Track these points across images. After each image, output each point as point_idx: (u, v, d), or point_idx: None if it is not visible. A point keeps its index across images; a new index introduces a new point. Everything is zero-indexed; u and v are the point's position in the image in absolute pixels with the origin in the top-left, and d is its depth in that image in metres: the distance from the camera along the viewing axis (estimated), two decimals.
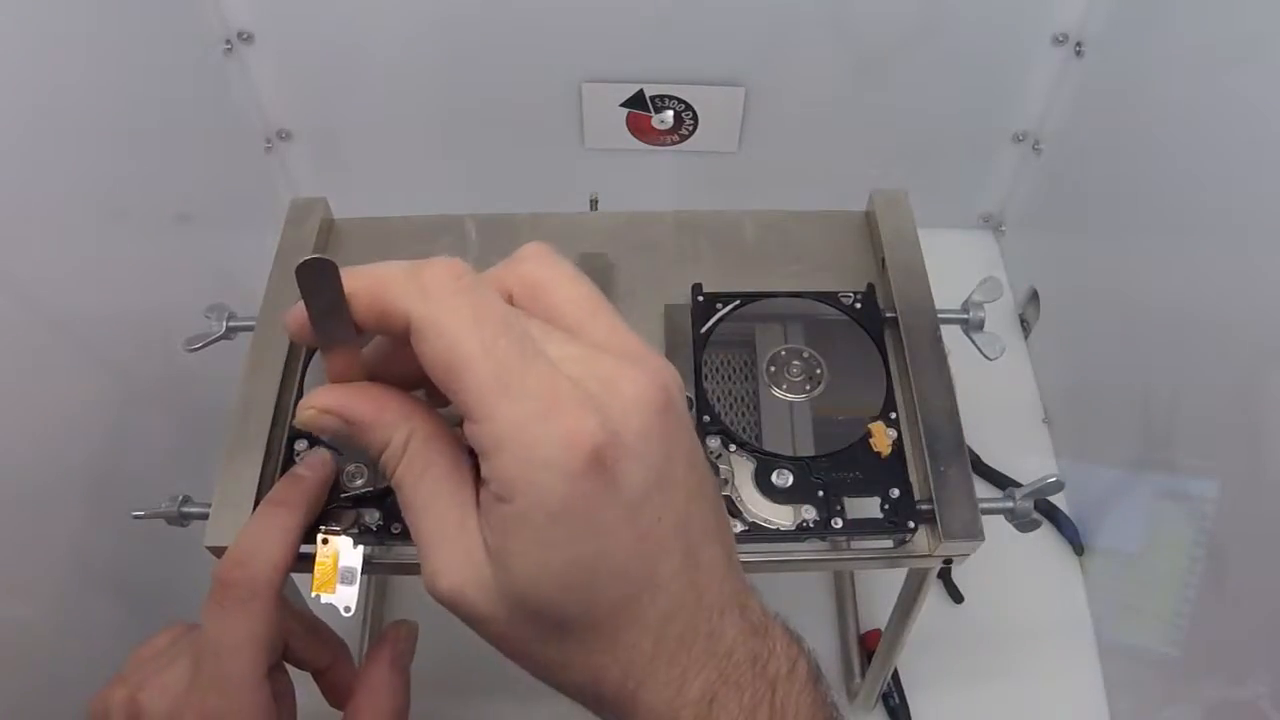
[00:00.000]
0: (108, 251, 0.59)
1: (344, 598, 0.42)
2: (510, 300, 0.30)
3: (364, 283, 0.28)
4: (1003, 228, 0.89)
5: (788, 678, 0.29)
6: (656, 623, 0.28)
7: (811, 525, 0.45)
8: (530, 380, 0.26)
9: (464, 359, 0.26)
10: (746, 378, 0.51)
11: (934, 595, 0.69)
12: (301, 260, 0.28)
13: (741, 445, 0.47)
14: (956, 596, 0.70)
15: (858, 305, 0.52)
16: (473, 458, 0.29)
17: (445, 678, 0.68)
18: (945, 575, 0.70)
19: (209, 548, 0.45)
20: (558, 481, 0.26)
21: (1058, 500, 0.73)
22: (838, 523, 0.45)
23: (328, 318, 0.29)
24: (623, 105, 0.77)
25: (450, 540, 0.29)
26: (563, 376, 0.27)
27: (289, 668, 0.42)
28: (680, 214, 0.58)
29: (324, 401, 0.30)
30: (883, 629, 0.57)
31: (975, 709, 0.66)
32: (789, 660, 0.30)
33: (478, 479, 0.29)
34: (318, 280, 0.28)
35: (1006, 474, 0.74)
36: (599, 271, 0.54)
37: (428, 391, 0.32)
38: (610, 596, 0.27)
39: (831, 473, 0.46)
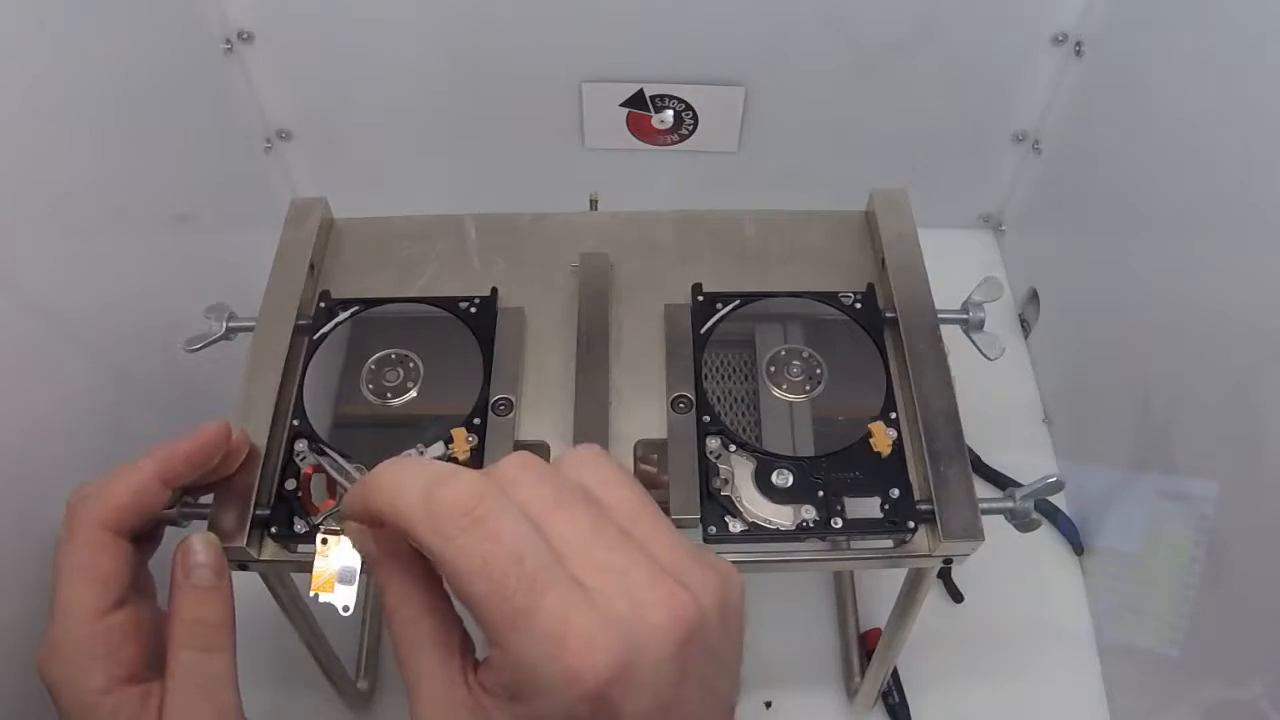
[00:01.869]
0: (108, 251, 0.59)
1: (343, 597, 0.42)
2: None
3: (386, 509, 0.29)
4: (1003, 228, 0.89)
5: None
6: None
7: (811, 525, 0.45)
8: (538, 620, 0.27)
9: (474, 599, 0.27)
10: (746, 378, 0.51)
11: (934, 595, 0.69)
12: None
13: (741, 445, 0.47)
14: (956, 596, 0.70)
15: (858, 305, 0.52)
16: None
17: None
18: (945, 575, 0.70)
19: None
20: (558, 711, 0.27)
21: (1058, 500, 0.73)
22: (838, 523, 0.45)
23: None
24: (623, 105, 0.77)
25: (445, 709, 0.30)
26: (577, 608, 0.27)
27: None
28: (680, 214, 0.58)
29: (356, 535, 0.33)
30: (883, 628, 0.57)
31: (975, 709, 0.66)
32: None
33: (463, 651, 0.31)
34: None
35: (1006, 474, 0.74)
36: (599, 272, 0.54)
37: None
38: None
39: (831, 473, 0.46)
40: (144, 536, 0.42)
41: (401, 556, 0.32)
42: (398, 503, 0.29)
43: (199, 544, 0.39)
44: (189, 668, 0.37)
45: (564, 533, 0.28)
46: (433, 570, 0.31)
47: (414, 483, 0.29)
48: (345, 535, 0.33)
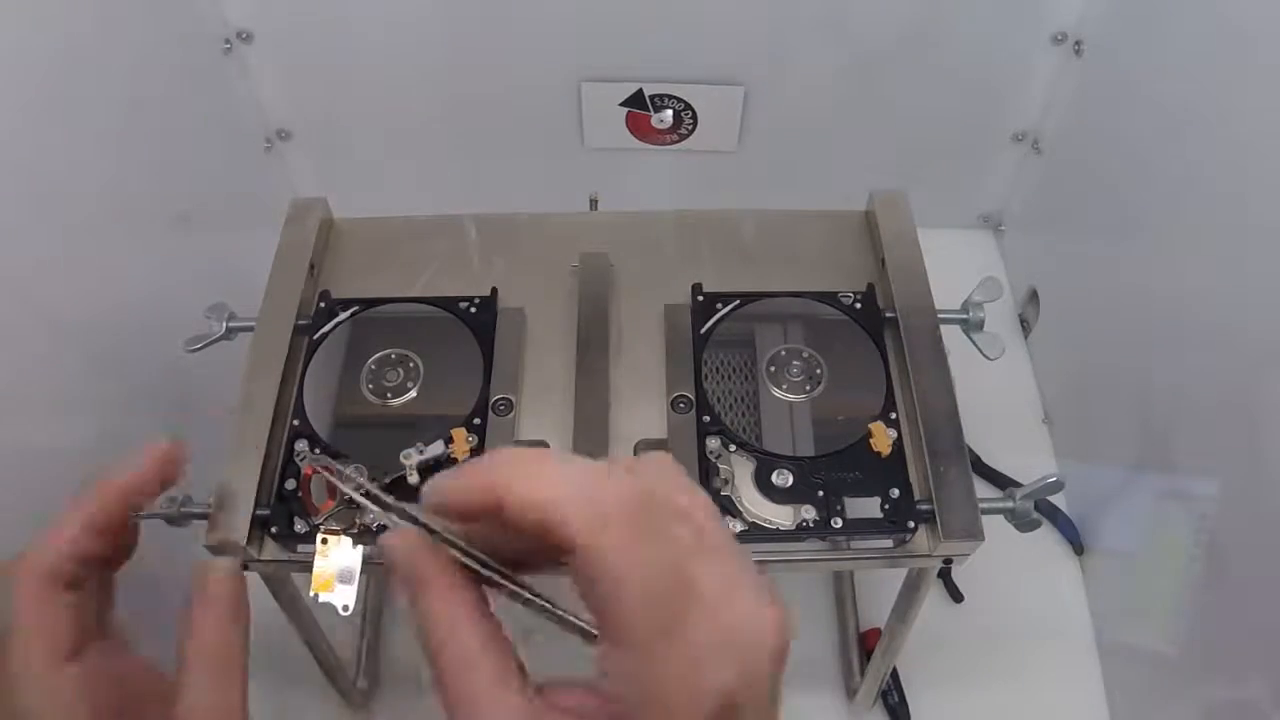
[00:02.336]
0: (109, 251, 0.59)
1: (343, 597, 0.42)
2: None
3: (533, 495, 0.26)
4: (1002, 227, 0.89)
5: None
6: None
7: (811, 525, 0.45)
8: (687, 633, 0.26)
9: (629, 607, 0.26)
10: (746, 378, 0.51)
11: (934, 595, 0.69)
12: None
13: (741, 445, 0.47)
14: (956, 596, 0.70)
15: (858, 305, 0.52)
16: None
17: None
18: (945, 575, 0.70)
19: (208, 547, 0.45)
20: None
21: (1058, 500, 0.73)
22: (837, 523, 0.45)
23: None
24: (622, 105, 0.77)
25: None
26: (713, 622, 0.26)
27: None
28: (680, 214, 0.58)
29: (391, 545, 0.29)
30: (883, 628, 0.57)
31: (975, 708, 0.66)
32: None
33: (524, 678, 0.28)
34: None
35: (1006, 474, 0.74)
36: (599, 272, 0.54)
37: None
38: None
39: (831, 473, 0.46)
40: (110, 560, 0.40)
41: (454, 583, 0.28)
42: (555, 492, 0.26)
43: (220, 569, 0.37)
44: (200, 691, 0.35)
45: (679, 542, 0.27)
46: (482, 596, 0.29)
47: (571, 471, 0.26)
48: (392, 544, 0.29)
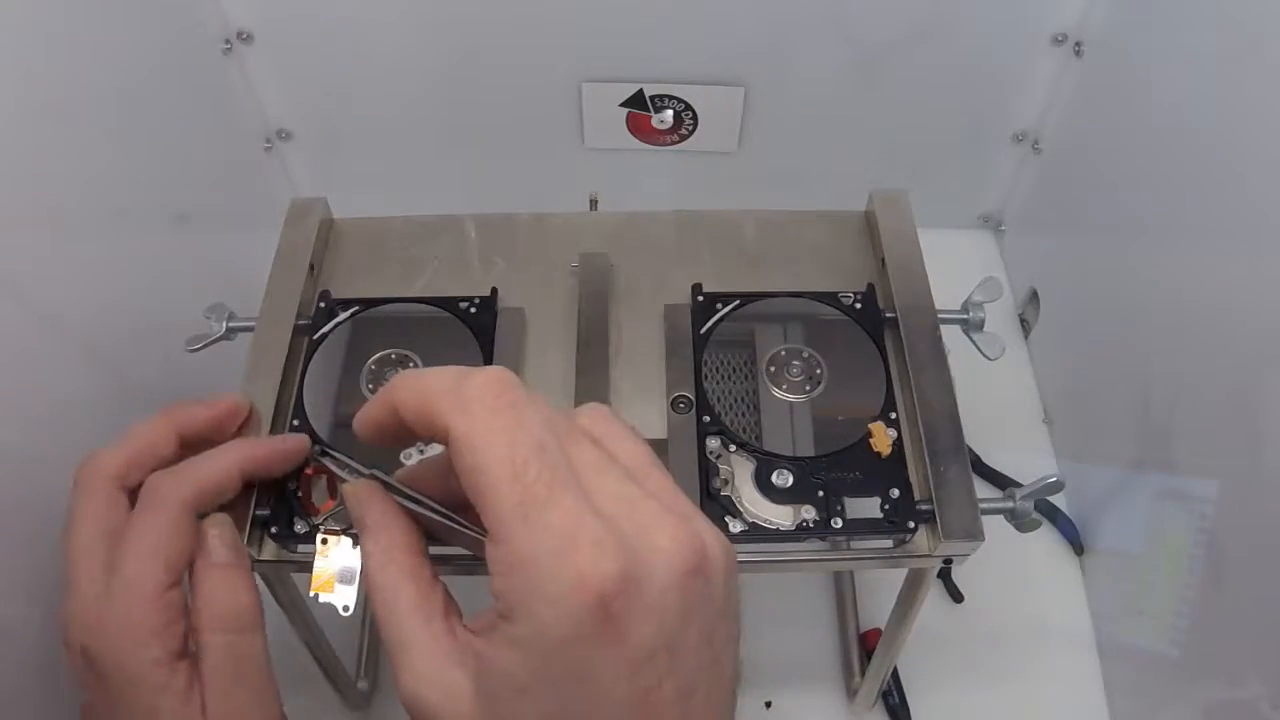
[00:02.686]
0: (108, 251, 0.59)
1: (343, 597, 0.42)
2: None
3: (412, 395, 0.29)
4: (1002, 228, 0.89)
5: None
6: None
7: (811, 525, 0.45)
8: (553, 514, 0.26)
9: (491, 481, 0.27)
10: (746, 378, 0.51)
11: (934, 595, 0.69)
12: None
13: (741, 445, 0.47)
14: (956, 596, 0.70)
15: (858, 305, 0.52)
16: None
17: None
18: (945, 575, 0.70)
19: None
20: (559, 619, 0.26)
21: (1058, 500, 0.73)
22: (837, 523, 0.45)
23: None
24: (622, 105, 0.77)
25: (438, 658, 0.30)
26: (589, 513, 0.26)
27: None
28: (680, 214, 0.58)
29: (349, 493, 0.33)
30: (883, 628, 0.57)
31: (975, 709, 0.66)
32: None
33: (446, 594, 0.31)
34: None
35: (1006, 474, 0.74)
36: (599, 272, 0.54)
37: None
38: None
39: (831, 473, 0.46)
40: None
41: (391, 526, 0.32)
42: (427, 386, 0.29)
43: (212, 523, 0.40)
44: (221, 650, 0.37)
45: (578, 458, 0.28)
46: (418, 539, 0.32)
47: (446, 372, 0.29)
48: (345, 497, 0.33)
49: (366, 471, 0.34)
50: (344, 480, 0.36)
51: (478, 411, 0.28)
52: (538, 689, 0.27)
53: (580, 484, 0.27)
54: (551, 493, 0.26)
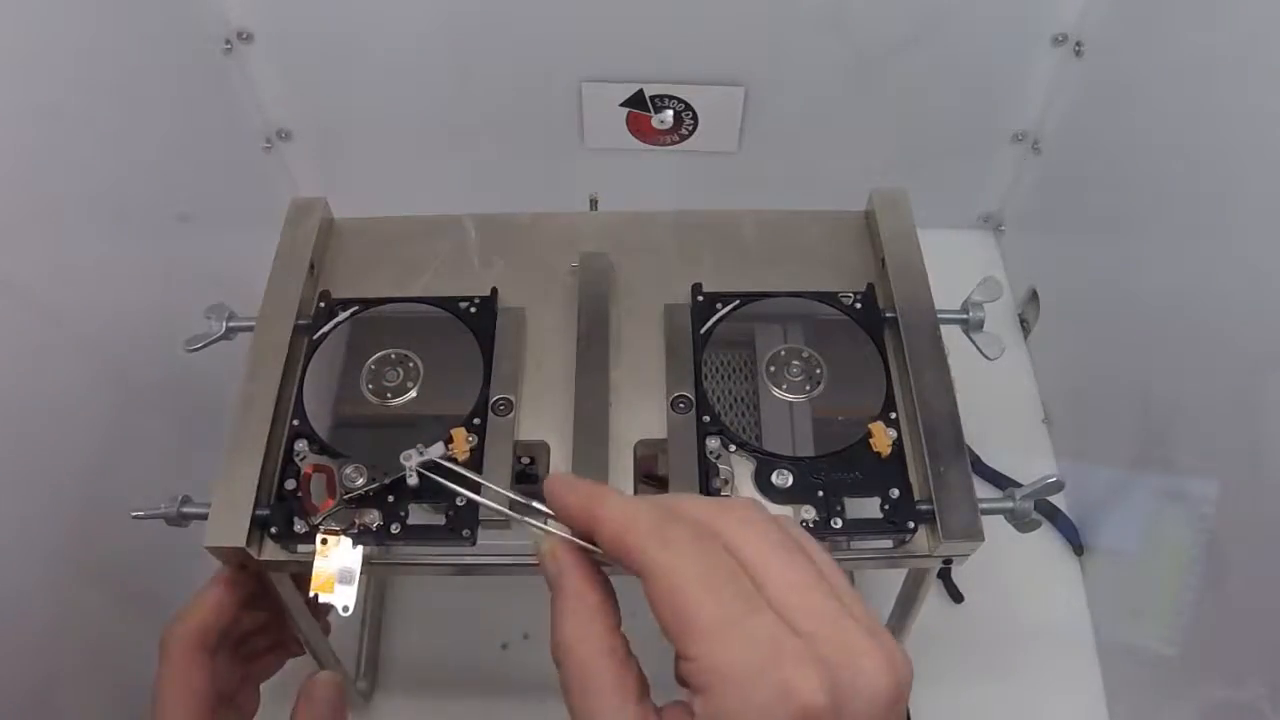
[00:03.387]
0: (108, 251, 0.59)
1: (342, 597, 0.42)
2: None
3: (613, 528, 0.30)
4: (1002, 228, 0.89)
5: None
6: None
7: (811, 525, 0.45)
8: (755, 627, 0.27)
9: (688, 600, 0.27)
10: (746, 378, 0.51)
11: (934, 595, 0.69)
12: None
13: (741, 445, 0.47)
14: (956, 596, 0.70)
15: (857, 305, 0.52)
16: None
17: (446, 677, 0.68)
18: (945, 575, 0.70)
19: (208, 548, 0.45)
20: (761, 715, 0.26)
21: (1057, 500, 0.73)
22: (837, 523, 0.45)
23: None
24: (622, 105, 0.77)
25: None
26: (790, 632, 0.27)
27: None
28: (680, 214, 0.58)
29: (559, 562, 0.32)
30: None
31: (975, 709, 0.66)
32: None
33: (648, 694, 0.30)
34: None
35: (1006, 474, 0.74)
36: (599, 272, 0.54)
37: None
38: None
39: (831, 473, 0.46)
40: (251, 656, 0.51)
41: (589, 595, 0.31)
42: (629, 516, 0.30)
43: (322, 681, 0.44)
44: None
45: (786, 576, 0.29)
46: (612, 613, 0.32)
47: (646, 517, 0.30)
48: (541, 557, 0.33)
49: (556, 531, 0.33)
50: (538, 530, 0.34)
51: (679, 546, 0.28)
52: None
53: (782, 602, 0.28)
54: (750, 611, 0.27)
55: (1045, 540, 0.72)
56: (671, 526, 0.29)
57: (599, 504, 0.31)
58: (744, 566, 0.29)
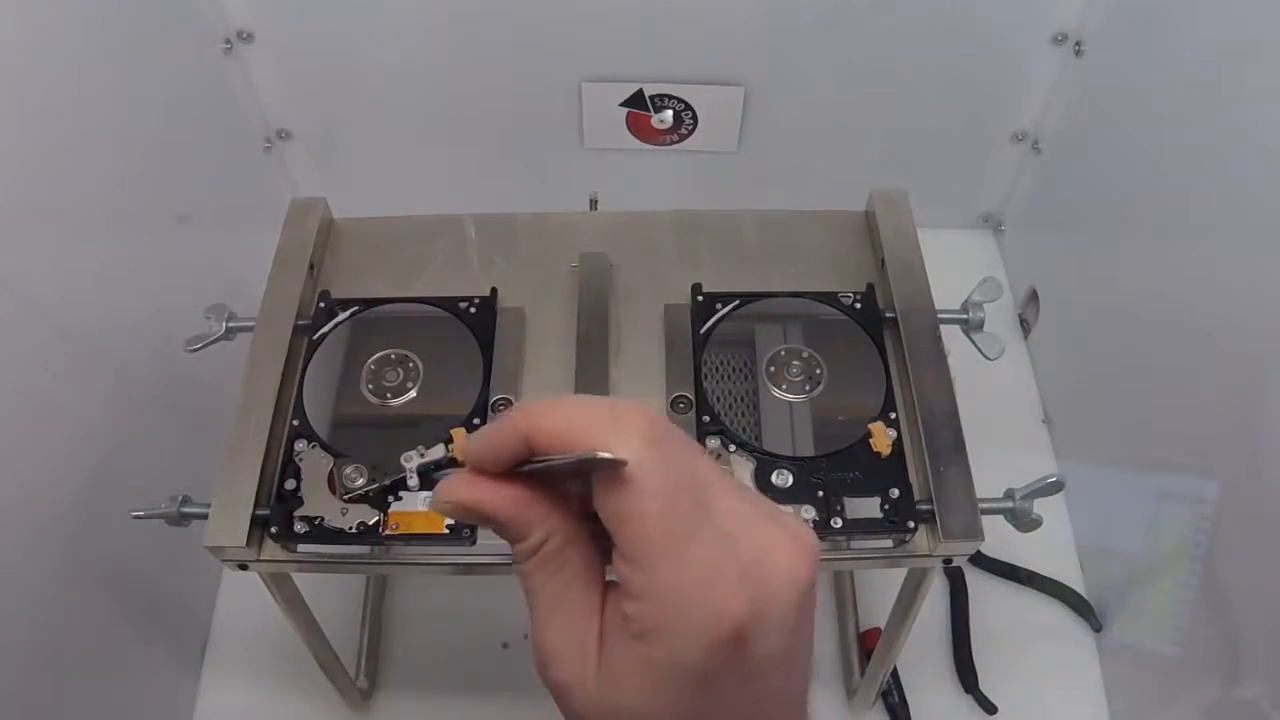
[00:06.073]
0: (108, 252, 0.59)
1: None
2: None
3: (557, 423, 0.28)
4: (1002, 227, 0.89)
5: None
6: None
7: (811, 525, 0.45)
8: (697, 550, 0.27)
9: (643, 514, 0.27)
10: (746, 378, 0.51)
11: (934, 595, 0.69)
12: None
13: (741, 445, 0.47)
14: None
15: (857, 305, 0.52)
16: (604, 555, 0.30)
17: (446, 677, 0.68)
18: (974, 689, 0.66)
19: (208, 548, 0.45)
20: (697, 649, 0.27)
21: (1058, 499, 0.73)
22: (837, 523, 0.45)
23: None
24: (622, 105, 0.77)
25: (569, 639, 0.30)
26: (725, 548, 0.27)
27: None
28: (680, 214, 0.58)
29: (460, 496, 0.29)
30: (882, 628, 0.57)
31: (975, 708, 0.66)
32: None
33: (604, 581, 0.30)
34: None
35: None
36: (599, 272, 0.54)
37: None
38: None
39: (831, 473, 0.46)
40: None
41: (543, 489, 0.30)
42: (577, 414, 0.28)
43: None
44: None
45: (705, 476, 0.29)
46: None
47: (597, 402, 0.29)
48: (436, 495, 0.30)
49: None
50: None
51: (639, 450, 0.27)
52: (662, 702, 0.28)
53: (712, 508, 0.28)
54: (698, 529, 0.27)
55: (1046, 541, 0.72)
56: (629, 416, 0.28)
57: (528, 414, 0.28)
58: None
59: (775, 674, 0.29)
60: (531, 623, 0.30)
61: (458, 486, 0.29)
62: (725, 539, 0.28)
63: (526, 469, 0.29)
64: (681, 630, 0.27)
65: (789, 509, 0.45)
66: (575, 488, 0.30)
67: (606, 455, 0.27)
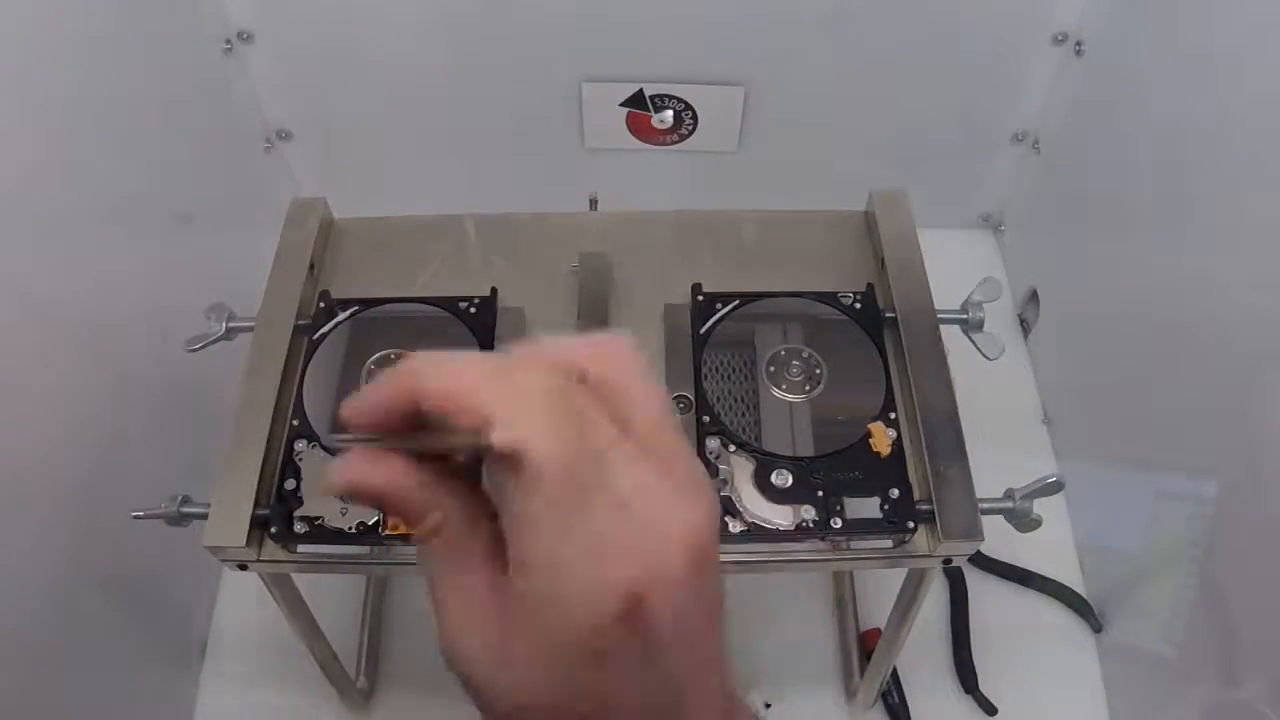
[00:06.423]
0: (108, 251, 0.59)
1: None
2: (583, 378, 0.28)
3: (444, 383, 0.26)
4: (1002, 227, 0.89)
5: None
6: None
7: (811, 525, 0.45)
8: (586, 522, 0.26)
9: (526, 489, 0.26)
10: (746, 378, 0.51)
11: (934, 595, 0.69)
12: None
13: (741, 445, 0.47)
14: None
15: (857, 305, 0.52)
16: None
17: (446, 677, 0.68)
18: (975, 690, 0.66)
19: (208, 547, 0.45)
20: (585, 622, 0.26)
21: (1058, 499, 0.73)
22: (837, 523, 0.45)
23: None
24: (623, 105, 0.77)
25: (470, 624, 0.29)
26: (619, 518, 0.26)
27: None
28: (680, 214, 0.58)
29: (345, 476, 0.28)
30: (882, 628, 0.57)
31: (975, 708, 0.66)
32: None
33: (506, 560, 0.28)
34: None
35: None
36: (599, 272, 0.54)
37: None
38: None
39: (831, 473, 0.46)
40: None
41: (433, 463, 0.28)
42: (471, 376, 0.26)
43: None
44: None
45: (604, 440, 0.27)
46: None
47: (481, 370, 0.26)
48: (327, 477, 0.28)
49: (346, 440, 0.28)
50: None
51: (528, 413, 0.26)
52: (554, 676, 0.27)
53: (609, 473, 0.27)
54: (590, 499, 0.26)
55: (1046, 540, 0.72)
56: (517, 378, 0.26)
57: (414, 371, 0.26)
58: (608, 401, 0.27)
59: (680, 643, 0.28)
60: (433, 611, 0.29)
61: (344, 466, 0.28)
62: (620, 509, 0.26)
63: (406, 449, 0.27)
64: (569, 604, 0.26)
65: (789, 509, 0.45)
66: (469, 454, 0.28)
67: (487, 442, 0.25)
